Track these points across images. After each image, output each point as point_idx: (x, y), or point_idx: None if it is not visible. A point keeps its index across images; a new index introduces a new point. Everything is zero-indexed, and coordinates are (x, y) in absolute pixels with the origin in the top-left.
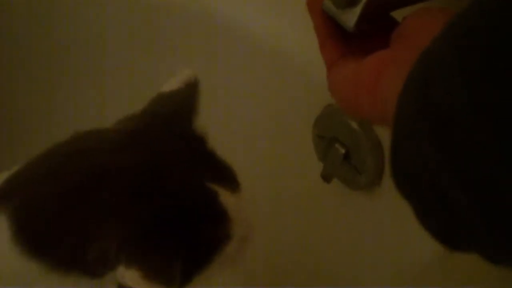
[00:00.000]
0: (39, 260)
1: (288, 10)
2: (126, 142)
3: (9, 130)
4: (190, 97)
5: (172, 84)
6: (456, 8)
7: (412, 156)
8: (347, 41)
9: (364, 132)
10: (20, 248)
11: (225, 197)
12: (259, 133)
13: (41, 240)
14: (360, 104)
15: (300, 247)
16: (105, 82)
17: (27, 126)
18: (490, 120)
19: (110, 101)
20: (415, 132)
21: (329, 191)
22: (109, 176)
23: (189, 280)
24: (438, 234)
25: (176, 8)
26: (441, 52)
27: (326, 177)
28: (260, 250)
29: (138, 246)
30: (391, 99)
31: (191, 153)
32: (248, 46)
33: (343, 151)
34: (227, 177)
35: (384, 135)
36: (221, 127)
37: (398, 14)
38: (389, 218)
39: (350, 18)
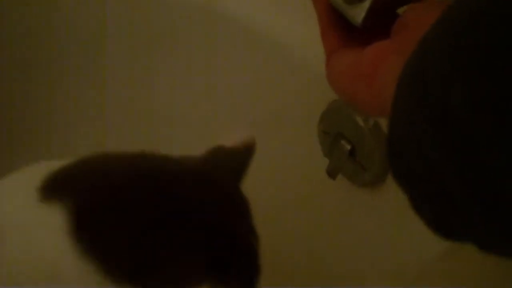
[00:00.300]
0: (95, 262)
1: (292, 2)
2: (197, 179)
3: (9, 130)
4: (245, 160)
5: (232, 140)
6: None
7: (408, 145)
8: (349, 34)
9: (370, 128)
10: (77, 244)
11: None
12: (264, 128)
13: (108, 246)
14: (358, 94)
15: (304, 243)
16: (105, 82)
17: (27, 126)
18: (487, 114)
19: (110, 101)
20: (412, 124)
21: (334, 187)
22: (192, 206)
23: None
24: (432, 221)
25: (177, 4)
26: (436, 44)
27: (331, 173)
28: (262, 245)
29: (222, 270)
30: (390, 90)
31: (239, 209)
32: (251, 40)
33: (348, 147)
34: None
35: None
36: (224, 123)
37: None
38: (393, 215)
39: (358, 13)
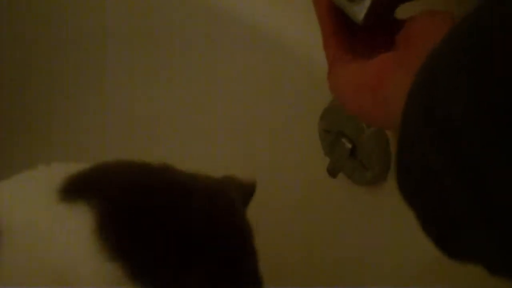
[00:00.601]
0: (120, 262)
1: (293, 1)
2: (213, 197)
3: (9, 130)
4: (251, 192)
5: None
6: (461, 9)
7: (416, 160)
8: (350, 37)
9: (370, 127)
10: (101, 244)
11: None
12: (264, 127)
13: (135, 248)
14: (362, 105)
15: (304, 242)
16: (105, 82)
17: (27, 126)
18: (495, 128)
19: (110, 101)
20: (420, 137)
21: (334, 186)
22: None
23: None
24: (438, 240)
25: (177, 3)
26: (445, 57)
27: (332, 172)
28: (263, 244)
29: None
30: (394, 102)
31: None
32: (251, 40)
33: (349, 146)
34: None
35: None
36: (225, 121)
37: (400, 13)
38: (394, 214)
39: (360, 10)
